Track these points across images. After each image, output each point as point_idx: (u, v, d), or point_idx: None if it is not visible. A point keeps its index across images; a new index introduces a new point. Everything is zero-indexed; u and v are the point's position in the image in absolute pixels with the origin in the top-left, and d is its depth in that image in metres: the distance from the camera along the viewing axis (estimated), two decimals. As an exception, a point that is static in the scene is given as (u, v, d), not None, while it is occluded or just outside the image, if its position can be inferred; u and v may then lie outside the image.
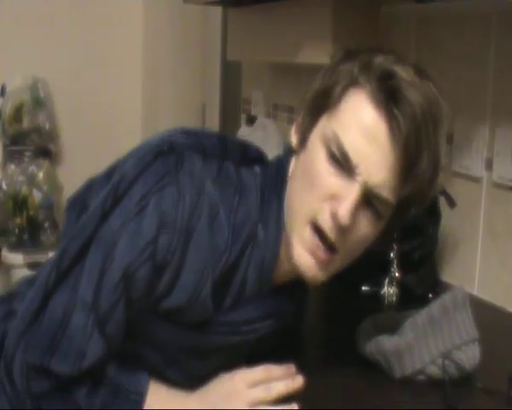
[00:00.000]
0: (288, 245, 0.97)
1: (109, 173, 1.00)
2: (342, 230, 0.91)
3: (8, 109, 2.92)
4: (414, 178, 0.91)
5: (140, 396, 0.95)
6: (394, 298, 1.42)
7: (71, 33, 3.03)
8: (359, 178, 0.90)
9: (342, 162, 0.91)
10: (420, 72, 0.94)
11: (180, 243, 0.91)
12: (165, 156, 0.94)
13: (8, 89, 2.94)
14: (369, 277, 1.44)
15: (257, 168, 1.03)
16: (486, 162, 1.46)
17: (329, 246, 0.93)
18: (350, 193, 0.90)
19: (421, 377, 1.07)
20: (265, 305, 1.02)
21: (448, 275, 1.55)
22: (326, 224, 0.92)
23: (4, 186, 2.88)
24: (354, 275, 1.43)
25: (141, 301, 0.93)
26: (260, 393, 0.97)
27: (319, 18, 1.75)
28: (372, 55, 0.95)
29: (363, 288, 1.46)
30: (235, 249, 0.96)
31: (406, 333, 1.06)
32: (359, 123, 0.91)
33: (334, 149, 0.91)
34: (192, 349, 1.01)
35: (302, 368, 1.00)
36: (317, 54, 1.76)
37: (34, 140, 2.96)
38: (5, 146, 2.96)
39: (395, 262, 1.42)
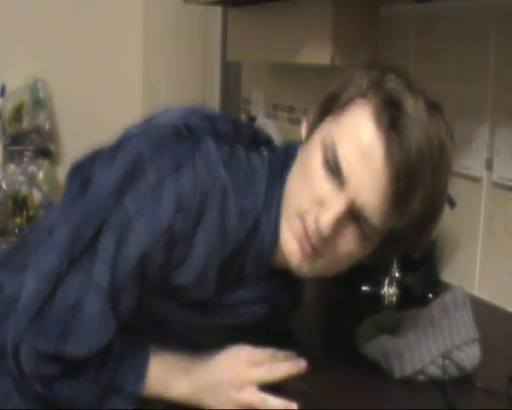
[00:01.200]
0: (279, 230, 0.97)
1: (117, 148, 0.99)
2: (323, 238, 0.92)
3: (8, 109, 2.92)
4: (403, 212, 0.90)
5: (145, 356, 0.96)
6: (394, 298, 1.42)
7: (71, 33, 3.03)
8: (347, 194, 0.91)
9: (334, 171, 0.92)
10: (431, 107, 0.92)
11: (192, 227, 0.92)
12: (182, 138, 0.94)
13: (8, 89, 2.94)
14: (369, 277, 1.44)
15: (265, 152, 1.04)
16: (486, 162, 1.45)
17: (313, 247, 0.94)
18: (335, 205, 0.91)
19: (421, 377, 1.07)
20: (263, 287, 1.03)
21: (448, 275, 1.55)
22: (310, 227, 0.93)
23: (4, 186, 2.88)
24: (354, 275, 1.44)
25: (152, 284, 0.94)
26: (263, 373, 0.98)
27: (319, 18, 1.75)
28: (386, 73, 0.94)
29: (363, 288, 1.45)
30: (241, 234, 0.97)
31: (406, 333, 1.06)
32: (358, 139, 0.91)
33: (330, 157, 0.92)
34: (192, 328, 1.02)
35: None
36: (317, 54, 1.76)
37: (34, 140, 2.95)
38: (5, 146, 2.96)
39: (395, 262, 1.42)
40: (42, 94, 2.96)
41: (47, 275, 0.93)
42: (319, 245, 0.93)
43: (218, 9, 2.68)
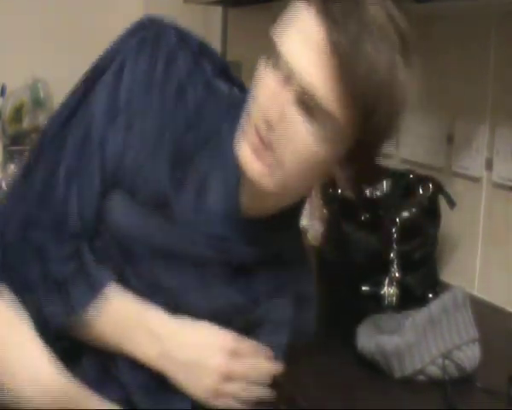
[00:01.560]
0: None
1: None
2: (271, 127, 0.87)
3: (8, 109, 2.92)
4: (355, 96, 0.84)
5: (106, 279, 0.94)
6: (394, 298, 1.42)
7: (71, 34, 3.03)
8: (294, 83, 0.86)
9: (279, 67, 0.88)
10: None
11: (147, 101, 0.96)
12: (145, 28, 1.05)
13: (8, 89, 2.94)
14: (369, 277, 1.44)
15: (236, 89, 1.03)
16: (486, 162, 1.46)
17: (264, 142, 0.89)
18: (281, 94, 0.87)
19: (421, 377, 1.07)
20: (235, 227, 0.98)
21: (448, 275, 1.55)
22: (261, 128, 0.88)
23: (4, 186, 2.88)
24: (354, 275, 1.44)
25: (111, 170, 0.96)
26: (238, 389, 0.95)
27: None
28: None
29: (363, 288, 1.45)
30: (197, 130, 0.97)
31: (406, 333, 1.06)
32: (299, 29, 0.87)
33: (273, 55, 0.89)
34: (152, 249, 0.98)
35: (302, 368, 1.00)
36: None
37: (34, 140, 2.95)
38: (5, 146, 2.96)
39: (395, 262, 1.42)
40: (42, 94, 2.96)
41: (19, 176, 1.00)
42: (270, 138, 0.88)
43: (218, 9, 2.68)
